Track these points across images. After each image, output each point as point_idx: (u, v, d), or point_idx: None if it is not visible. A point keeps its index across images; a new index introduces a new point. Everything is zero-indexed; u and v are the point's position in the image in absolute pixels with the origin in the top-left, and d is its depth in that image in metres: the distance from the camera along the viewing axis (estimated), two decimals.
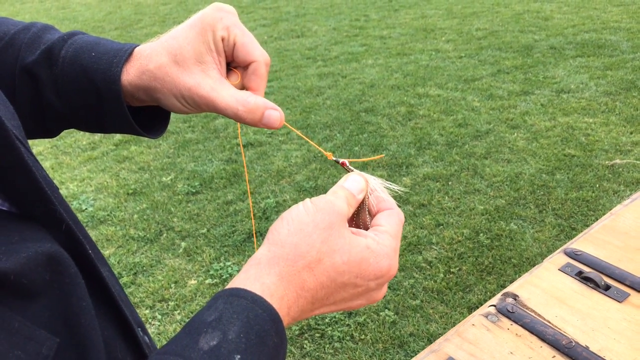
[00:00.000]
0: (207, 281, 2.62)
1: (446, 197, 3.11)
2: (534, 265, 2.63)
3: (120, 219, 3.21)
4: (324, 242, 0.45)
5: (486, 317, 0.74)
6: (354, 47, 6.15)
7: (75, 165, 4.00)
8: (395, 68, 5.31)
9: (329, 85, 5.03)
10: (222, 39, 0.52)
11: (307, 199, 0.48)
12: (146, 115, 0.60)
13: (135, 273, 2.74)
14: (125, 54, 0.53)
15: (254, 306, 0.40)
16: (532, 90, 4.46)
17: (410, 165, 3.47)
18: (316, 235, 0.45)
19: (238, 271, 2.64)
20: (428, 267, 2.60)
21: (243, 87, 0.54)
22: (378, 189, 0.54)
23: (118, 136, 4.36)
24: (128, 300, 0.56)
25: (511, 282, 2.59)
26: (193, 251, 2.85)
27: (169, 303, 2.51)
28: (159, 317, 2.44)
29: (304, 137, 0.58)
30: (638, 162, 3.26)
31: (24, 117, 0.55)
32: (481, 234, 2.76)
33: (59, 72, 0.54)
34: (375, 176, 0.55)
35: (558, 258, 0.83)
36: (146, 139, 4.15)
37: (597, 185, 3.09)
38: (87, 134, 4.50)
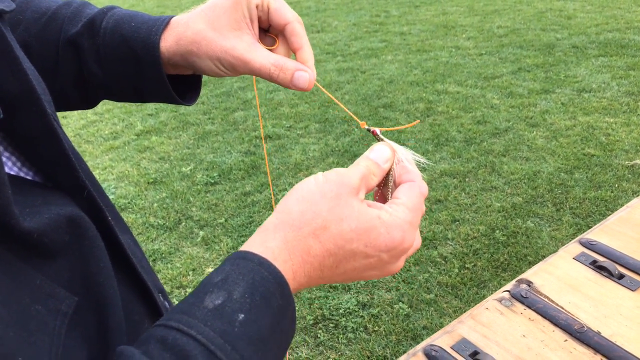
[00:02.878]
0: None
1: (463, 194, 3.12)
2: None
3: (140, 207, 3.28)
4: (330, 211, 0.45)
5: (500, 301, 0.76)
6: (374, 42, 6.15)
7: (98, 154, 4.08)
8: (414, 64, 5.30)
9: (348, 81, 5.05)
10: (257, 6, 0.55)
11: (319, 172, 0.49)
12: (179, 85, 0.63)
13: (154, 260, 2.80)
14: (162, 23, 0.57)
15: (259, 268, 0.41)
16: (552, 89, 4.42)
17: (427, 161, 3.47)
18: (323, 203, 0.45)
19: None
20: (443, 262, 2.61)
21: (287, 53, 0.58)
22: (404, 160, 0.52)
23: (139, 126, 4.44)
24: (150, 267, 0.58)
25: None
26: (211, 240, 2.90)
27: (187, 290, 2.56)
28: (176, 303, 2.49)
29: (337, 101, 0.60)
30: None
31: (67, 88, 0.60)
32: (497, 231, 2.76)
33: (101, 42, 0.57)
34: (405, 147, 0.54)
35: (573, 247, 0.85)
36: (167, 129, 4.22)
37: (617, 185, 3.07)
38: (109, 123, 4.58)
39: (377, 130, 0.56)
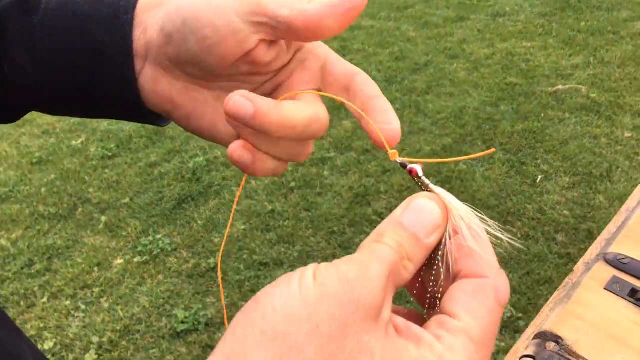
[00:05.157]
0: (135, 259, 2.31)
1: None
2: (488, 208, 2.52)
3: (25, 194, 2.79)
4: (325, 356, 0.23)
5: None
6: None
7: None
8: None
9: None
10: None
11: (311, 267, 0.25)
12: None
13: (50, 257, 2.38)
14: None
15: None
16: (467, 15, 4.25)
17: None
18: (312, 350, 0.23)
19: (170, 244, 2.35)
20: (379, 219, 2.41)
21: None
22: (465, 230, 0.28)
23: None
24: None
25: None
26: (116, 225, 2.51)
27: (93, 290, 2.20)
28: (83, 307, 2.13)
29: (359, 111, 0.36)
30: (580, 86, 3.17)
31: None
32: (431, 178, 2.57)
33: (39, 21, 0.39)
34: (465, 204, 0.29)
35: (598, 269, 0.61)
36: None
37: (542, 115, 2.98)
38: None
39: (419, 167, 0.32)
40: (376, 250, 0.26)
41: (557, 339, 0.55)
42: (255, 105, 0.32)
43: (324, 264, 0.25)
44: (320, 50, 0.37)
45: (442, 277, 0.28)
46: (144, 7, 0.37)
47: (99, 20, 0.38)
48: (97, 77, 0.39)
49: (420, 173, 0.31)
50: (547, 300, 1.96)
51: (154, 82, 0.38)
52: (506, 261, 2.09)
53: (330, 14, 0.32)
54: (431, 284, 0.28)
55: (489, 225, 0.29)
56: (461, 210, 0.28)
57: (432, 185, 0.30)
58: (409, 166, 0.31)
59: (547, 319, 0.57)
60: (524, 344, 0.56)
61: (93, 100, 0.40)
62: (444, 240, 0.28)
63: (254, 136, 0.35)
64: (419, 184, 0.31)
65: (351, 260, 0.25)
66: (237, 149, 0.35)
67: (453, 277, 0.28)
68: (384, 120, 0.35)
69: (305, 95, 0.37)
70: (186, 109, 0.38)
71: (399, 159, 0.32)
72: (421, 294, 0.30)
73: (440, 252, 0.28)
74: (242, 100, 0.32)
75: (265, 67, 0.36)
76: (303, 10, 0.32)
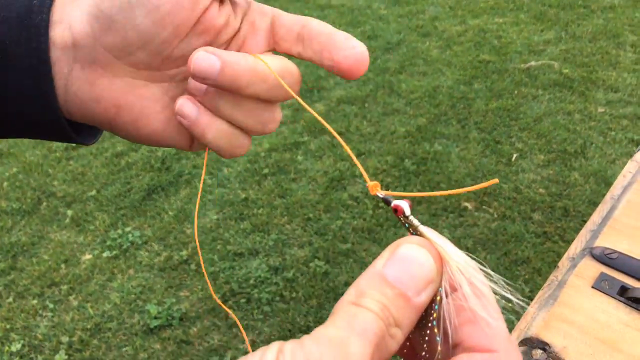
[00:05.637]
0: (104, 254, 2.23)
1: (364, 122, 2.85)
2: (462, 186, 2.50)
3: None
4: None
5: None
6: None
7: None
8: None
9: None
10: None
11: (274, 349, 0.20)
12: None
13: (15, 255, 2.28)
14: None
15: None
16: None
17: (322, 89, 3.14)
18: None
19: (140, 237, 2.27)
20: (355, 204, 2.37)
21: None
22: (465, 287, 0.23)
23: None
24: None
25: (443, 209, 2.45)
26: (82, 219, 2.42)
27: (61, 287, 2.12)
28: (51, 306, 2.05)
29: (342, 141, 0.30)
30: (552, 62, 3.15)
31: None
32: (406, 160, 2.56)
33: None
34: (465, 253, 0.24)
35: (585, 266, 0.57)
36: None
37: (516, 92, 2.96)
38: None
39: (405, 205, 0.26)
40: (356, 318, 0.21)
41: (544, 346, 0.51)
42: (221, 58, 0.30)
43: (289, 344, 0.19)
44: (266, 8, 0.35)
45: (439, 348, 0.23)
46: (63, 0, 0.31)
47: (7, 22, 0.31)
48: (6, 91, 0.32)
49: (408, 212, 0.26)
50: (525, 281, 1.93)
51: (90, 86, 0.32)
52: (483, 242, 2.08)
53: None
54: (424, 353, 0.23)
55: (493, 280, 0.23)
56: (460, 260, 0.23)
57: (422, 227, 0.24)
58: (393, 203, 0.26)
59: (532, 322, 0.53)
60: None
61: (3, 120, 0.34)
62: (438, 298, 0.23)
63: (215, 99, 0.32)
64: (406, 224, 0.25)
65: (324, 337, 0.19)
66: (182, 100, 0.32)
67: (452, 347, 0.22)
68: (347, 46, 0.33)
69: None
70: (133, 110, 0.33)
71: (381, 193, 0.27)
72: (410, 355, 0.25)
73: (434, 314, 0.23)
74: (206, 55, 0.30)
75: (218, 35, 0.32)
76: None
